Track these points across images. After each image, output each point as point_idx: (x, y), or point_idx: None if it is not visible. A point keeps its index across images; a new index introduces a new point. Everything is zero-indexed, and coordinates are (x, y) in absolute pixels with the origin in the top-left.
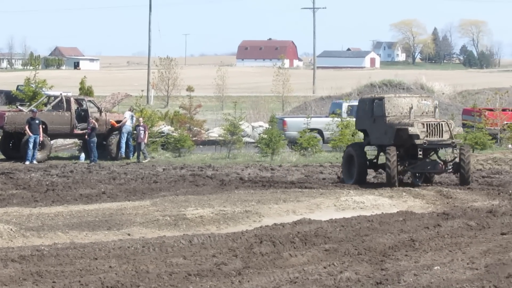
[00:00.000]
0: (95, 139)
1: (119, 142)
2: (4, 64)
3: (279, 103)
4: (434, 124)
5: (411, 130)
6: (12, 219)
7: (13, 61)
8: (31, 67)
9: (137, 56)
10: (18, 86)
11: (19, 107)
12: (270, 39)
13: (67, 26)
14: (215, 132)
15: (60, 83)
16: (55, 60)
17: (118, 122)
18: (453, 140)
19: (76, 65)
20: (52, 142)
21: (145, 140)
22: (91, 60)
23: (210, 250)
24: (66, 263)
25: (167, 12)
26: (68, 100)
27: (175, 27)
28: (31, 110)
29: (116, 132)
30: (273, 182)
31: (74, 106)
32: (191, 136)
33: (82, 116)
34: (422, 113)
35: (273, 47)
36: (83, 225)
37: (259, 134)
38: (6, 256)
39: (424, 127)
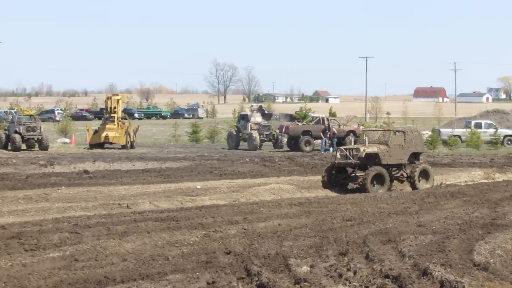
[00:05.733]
0: (336, 139)
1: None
2: (286, 99)
3: (436, 121)
4: (349, 149)
5: (333, 153)
6: (294, 182)
7: (291, 98)
8: (302, 101)
9: (359, 95)
10: (296, 111)
11: (296, 122)
12: (431, 86)
13: (325, 77)
14: None
15: (318, 110)
16: (315, 97)
17: (351, 131)
18: (354, 161)
19: (326, 100)
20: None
21: None
22: (335, 97)
23: (401, 200)
24: (322, 206)
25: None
26: (323, 119)
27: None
28: (327, 125)
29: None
30: (434, 163)
31: (326, 122)
32: None
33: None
34: (380, 142)
35: (432, 91)
36: None
37: (426, 137)
38: (291, 202)
39: (342, 152)
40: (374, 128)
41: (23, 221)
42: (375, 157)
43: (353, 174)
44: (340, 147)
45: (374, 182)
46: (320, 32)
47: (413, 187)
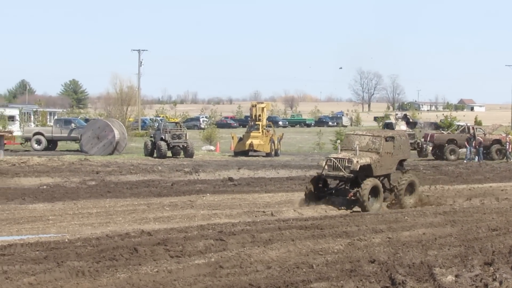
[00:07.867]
0: (482, 148)
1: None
2: (431, 107)
3: None
4: (339, 159)
5: (319, 162)
6: (438, 191)
7: (436, 106)
8: (447, 110)
9: (505, 104)
10: (441, 120)
11: (441, 131)
12: None
13: (470, 85)
14: None
15: (463, 118)
16: (460, 106)
17: (496, 140)
18: (347, 175)
19: (472, 109)
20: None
21: (510, 149)
22: (480, 106)
23: None
24: (467, 215)
25: None
26: (468, 127)
27: None
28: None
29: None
30: None
31: (471, 131)
32: None
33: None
34: (369, 149)
35: None
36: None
37: None
38: (436, 211)
39: (331, 162)
40: (361, 133)
41: (169, 227)
42: (367, 168)
43: (341, 187)
44: (329, 157)
45: (369, 196)
46: (465, 39)
47: (399, 201)
